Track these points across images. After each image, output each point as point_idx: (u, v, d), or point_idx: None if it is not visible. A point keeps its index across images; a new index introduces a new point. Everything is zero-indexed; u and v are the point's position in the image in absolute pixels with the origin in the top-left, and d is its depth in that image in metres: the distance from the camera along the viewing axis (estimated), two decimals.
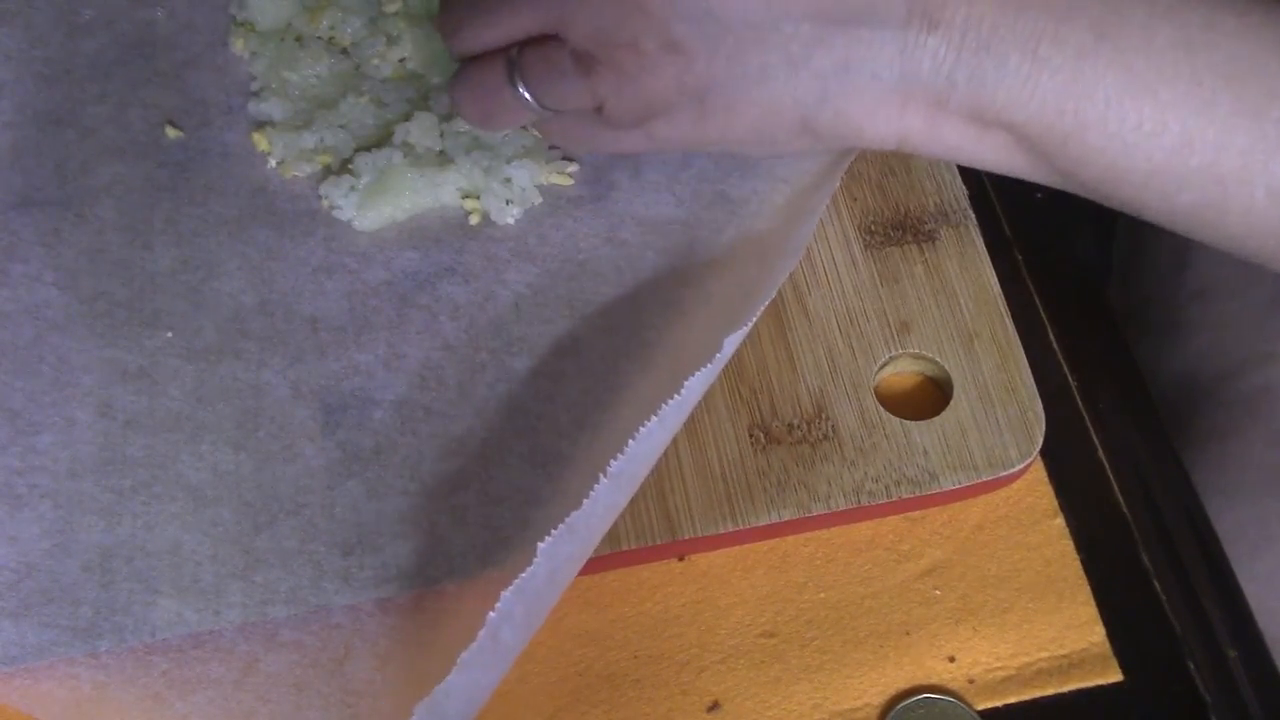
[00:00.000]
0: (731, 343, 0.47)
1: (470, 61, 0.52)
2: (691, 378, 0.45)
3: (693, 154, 0.57)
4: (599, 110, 0.49)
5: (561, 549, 0.42)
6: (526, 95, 0.50)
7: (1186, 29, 0.44)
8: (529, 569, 0.41)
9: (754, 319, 0.48)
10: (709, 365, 0.46)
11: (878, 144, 0.48)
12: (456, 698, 0.41)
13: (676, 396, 0.44)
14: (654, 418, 0.44)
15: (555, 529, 0.42)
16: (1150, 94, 0.44)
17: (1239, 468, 0.65)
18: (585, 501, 0.42)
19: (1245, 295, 0.69)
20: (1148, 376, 0.57)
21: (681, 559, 0.51)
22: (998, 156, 0.47)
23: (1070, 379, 0.55)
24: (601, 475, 0.43)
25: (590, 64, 0.48)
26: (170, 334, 0.53)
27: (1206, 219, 0.46)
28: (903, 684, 0.49)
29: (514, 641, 0.43)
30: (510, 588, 0.41)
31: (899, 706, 0.48)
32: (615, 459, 0.43)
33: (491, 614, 0.41)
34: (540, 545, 0.41)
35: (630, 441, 0.43)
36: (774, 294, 0.50)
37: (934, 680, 0.49)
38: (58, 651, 0.47)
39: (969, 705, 0.48)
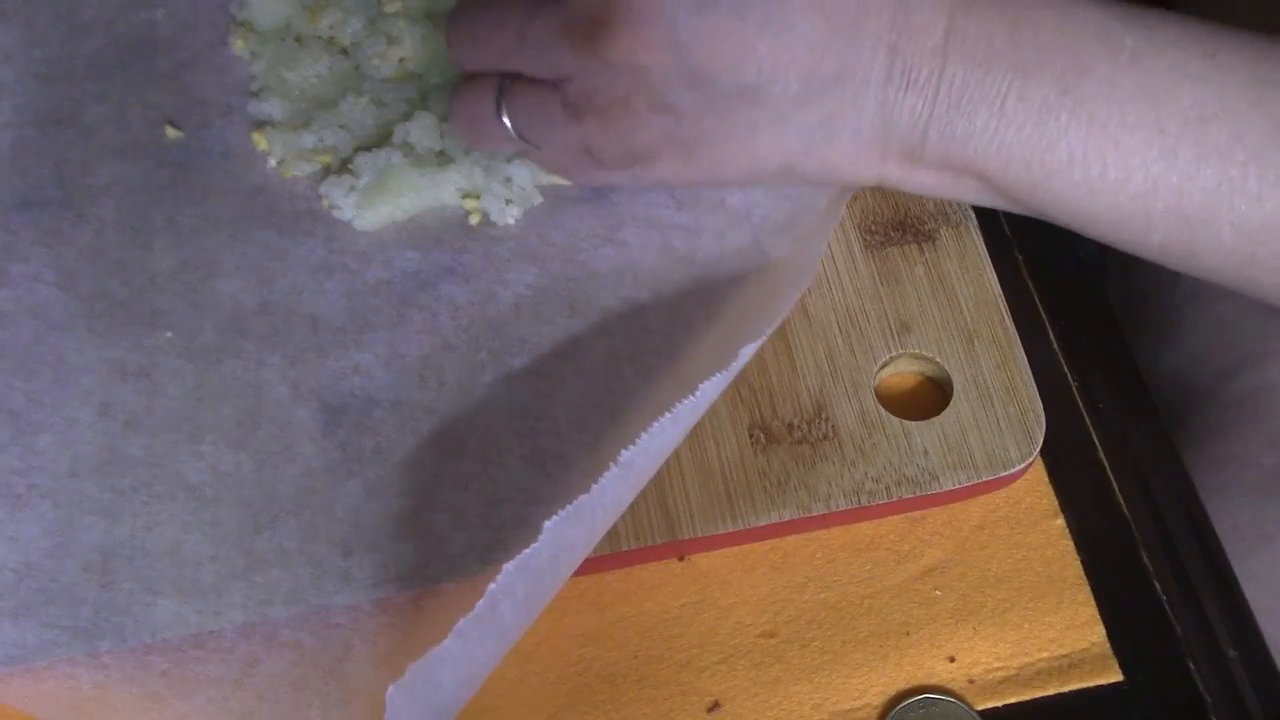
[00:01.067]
0: (747, 352, 0.47)
1: (468, 79, 0.53)
2: (706, 382, 0.45)
3: None
4: (586, 151, 0.50)
5: (567, 531, 0.42)
6: (511, 128, 0.51)
7: (1151, 77, 0.45)
8: (533, 545, 0.41)
9: (769, 332, 0.48)
10: (724, 372, 0.46)
11: (857, 185, 0.50)
12: (450, 666, 0.41)
13: (691, 397, 0.45)
14: (668, 414, 0.44)
15: (562, 510, 0.42)
16: (1113, 143, 0.45)
17: (1236, 468, 0.65)
18: (594, 486, 0.43)
19: (1240, 296, 0.69)
20: (1144, 377, 0.57)
21: (681, 559, 0.51)
22: (972, 196, 0.49)
23: (1070, 379, 0.55)
24: (611, 463, 0.43)
25: (579, 112, 0.49)
26: (170, 334, 0.53)
27: (1178, 256, 0.47)
28: (903, 684, 0.49)
29: (512, 621, 0.43)
30: (513, 562, 0.41)
31: (899, 706, 0.48)
32: (626, 449, 0.43)
33: (492, 585, 0.41)
34: (546, 523, 0.42)
35: (643, 435, 0.44)
36: (789, 311, 0.50)
37: (934, 680, 0.49)
38: (58, 652, 0.47)
39: (969, 705, 0.48)
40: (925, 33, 0.46)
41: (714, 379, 0.46)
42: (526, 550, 0.41)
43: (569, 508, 0.42)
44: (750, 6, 0.45)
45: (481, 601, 0.41)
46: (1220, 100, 0.45)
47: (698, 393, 0.45)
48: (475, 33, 0.51)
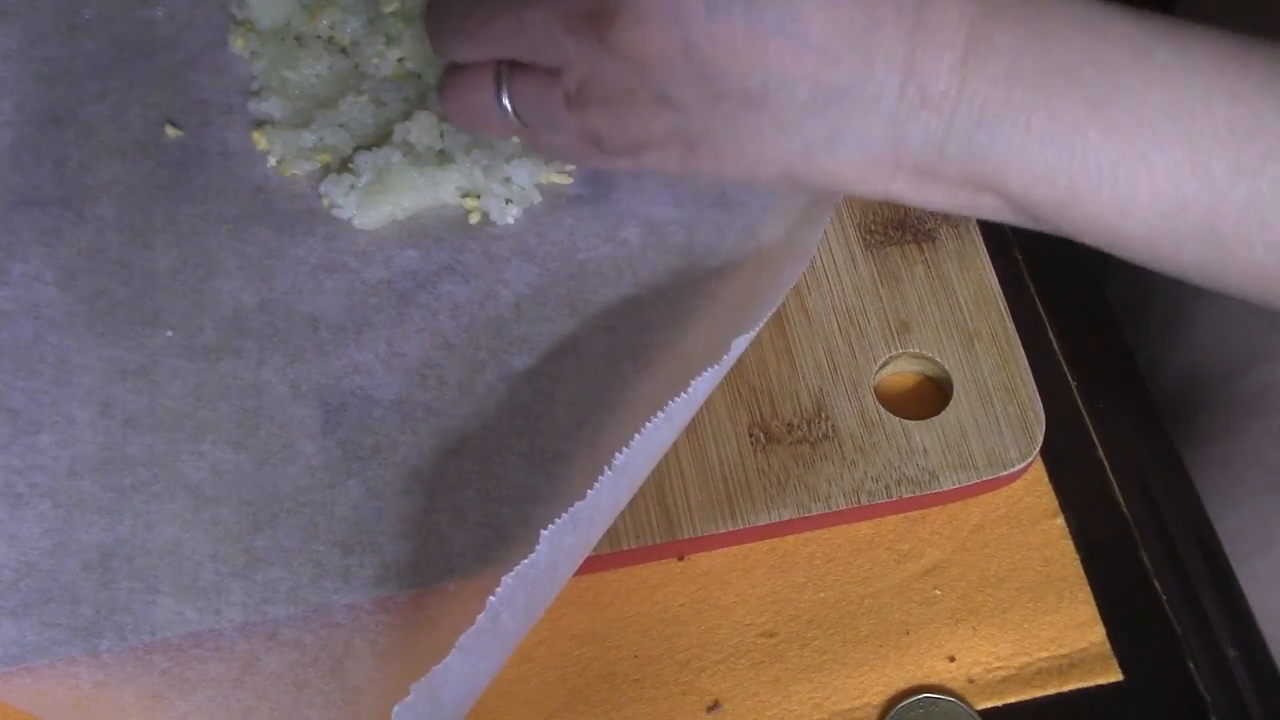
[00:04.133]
0: (739, 345, 0.47)
1: (457, 69, 0.52)
2: (698, 378, 0.45)
3: None
4: (589, 139, 0.49)
5: (564, 538, 0.43)
6: (513, 114, 0.50)
7: (1183, 92, 0.44)
8: (531, 555, 0.41)
9: (761, 324, 0.48)
10: (716, 366, 0.46)
11: (863, 197, 0.48)
12: (454, 682, 0.41)
13: (684, 395, 0.45)
14: (660, 414, 0.44)
15: (559, 518, 0.42)
16: (1144, 161, 0.44)
17: (1242, 466, 0.65)
18: (589, 493, 0.43)
19: None
20: (1150, 374, 0.57)
21: (681, 559, 0.51)
22: (988, 213, 0.48)
23: (1070, 379, 0.55)
24: (606, 468, 0.43)
25: (583, 103, 0.48)
26: (170, 333, 0.53)
27: (1207, 273, 0.46)
28: (903, 684, 0.49)
29: (513, 629, 0.43)
30: (512, 573, 0.41)
31: (899, 706, 0.48)
32: (620, 452, 0.43)
33: (492, 598, 0.41)
34: (544, 532, 0.42)
35: (636, 436, 0.44)
36: (781, 300, 0.50)
37: (934, 680, 0.49)
38: (58, 650, 0.47)
39: (969, 705, 0.48)
40: (944, 48, 0.44)
41: (705, 374, 0.46)
42: (525, 560, 0.41)
43: (565, 516, 0.42)
44: (764, 9, 0.44)
45: (483, 615, 0.41)
46: (1253, 115, 0.44)
47: (690, 389, 0.45)
48: (466, 19, 0.50)
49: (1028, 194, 0.45)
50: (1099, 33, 0.44)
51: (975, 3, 0.44)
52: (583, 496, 0.42)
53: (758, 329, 0.48)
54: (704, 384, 0.46)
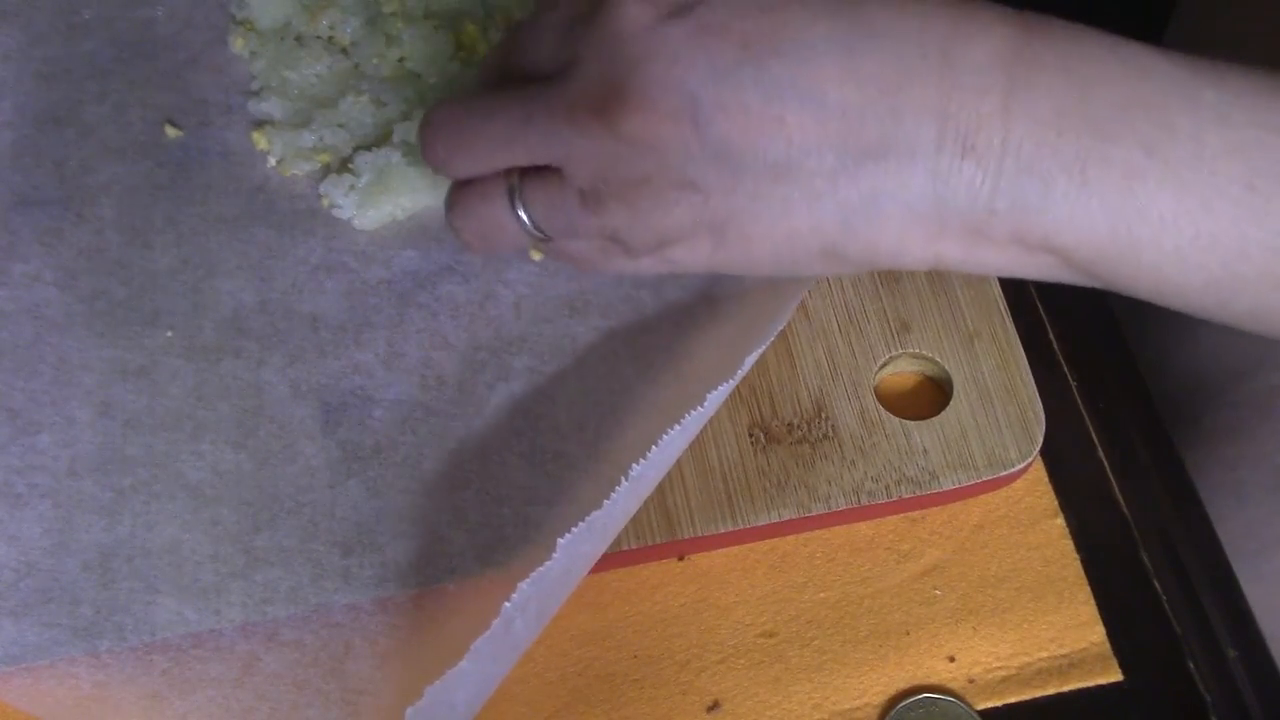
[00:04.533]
0: (751, 359, 0.47)
1: (466, 185, 0.49)
2: (713, 391, 0.46)
3: None
4: (612, 239, 0.47)
5: (580, 546, 0.43)
6: (530, 225, 0.48)
7: (1236, 132, 0.42)
8: (547, 562, 0.42)
9: (771, 338, 0.48)
10: (730, 380, 0.46)
11: (909, 268, 0.46)
12: (466, 686, 0.42)
13: (700, 408, 0.45)
14: (676, 426, 0.45)
15: (575, 526, 0.42)
16: (1205, 207, 0.42)
17: (1249, 467, 0.65)
18: (606, 502, 0.43)
19: None
20: (1156, 375, 0.57)
21: (681, 559, 0.51)
22: (1042, 273, 0.45)
23: (1070, 379, 0.55)
24: (623, 477, 0.43)
25: (599, 200, 0.45)
26: (170, 333, 0.53)
27: (1266, 321, 0.45)
28: (903, 684, 0.49)
29: (524, 634, 0.44)
30: (527, 579, 0.42)
31: (899, 706, 0.48)
32: (637, 463, 0.44)
33: (507, 604, 0.41)
34: (560, 540, 0.42)
35: (653, 447, 0.44)
36: (790, 315, 0.50)
37: (934, 680, 0.49)
38: (58, 651, 0.47)
39: (969, 705, 0.48)
40: (981, 95, 0.41)
41: (720, 388, 0.46)
42: (540, 567, 0.42)
43: (582, 525, 0.42)
44: (776, 75, 0.42)
45: (497, 621, 0.41)
46: None
47: (705, 403, 0.45)
48: (466, 131, 0.47)
49: (1083, 247, 0.43)
50: (1142, 73, 0.42)
51: (1005, 45, 0.42)
52: (597, 505, 0.43)
53: (769, 341, 0.48)
54: (718, 397, 0.46)
